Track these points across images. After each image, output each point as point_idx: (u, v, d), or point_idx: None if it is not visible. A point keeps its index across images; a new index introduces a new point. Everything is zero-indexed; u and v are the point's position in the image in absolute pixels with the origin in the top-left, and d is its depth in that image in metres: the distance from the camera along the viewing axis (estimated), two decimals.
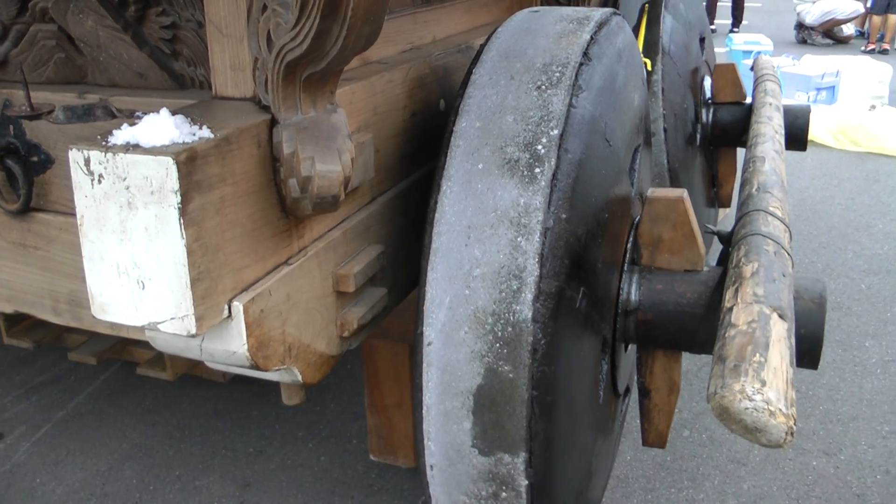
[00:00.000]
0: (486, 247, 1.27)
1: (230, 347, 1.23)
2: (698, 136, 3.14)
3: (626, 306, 1.65)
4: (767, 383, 1.07)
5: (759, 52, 6.98)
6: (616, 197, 1.48)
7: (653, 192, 1.67)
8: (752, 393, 1.05)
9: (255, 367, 1.25)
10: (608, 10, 1.62)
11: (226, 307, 1.19)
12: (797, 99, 6.17)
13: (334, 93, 1.23)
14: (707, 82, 3.28)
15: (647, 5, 2.81)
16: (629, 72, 1.60)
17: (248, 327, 1.20)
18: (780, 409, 1.05)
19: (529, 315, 1.24)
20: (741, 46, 7.34)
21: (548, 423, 1.30)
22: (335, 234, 1.40)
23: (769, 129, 2.46)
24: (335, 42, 1.05)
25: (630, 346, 1.79)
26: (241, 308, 1.19)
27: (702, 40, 3.29)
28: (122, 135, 1.12)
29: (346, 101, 1.40)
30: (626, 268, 1.62)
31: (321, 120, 1.20)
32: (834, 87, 6.26)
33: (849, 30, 9.91)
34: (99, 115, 1.33)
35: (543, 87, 1.35)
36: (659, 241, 1.68)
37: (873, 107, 5.83)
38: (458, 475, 1.36)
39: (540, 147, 1.29)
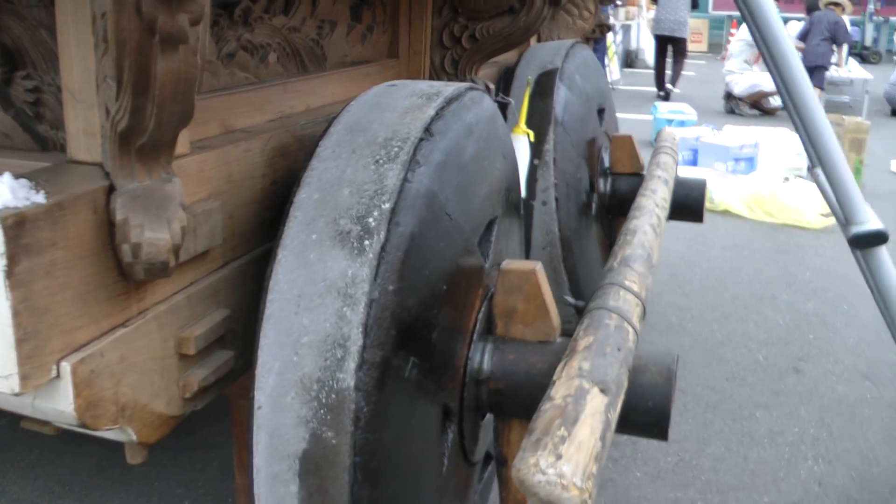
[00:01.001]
0: (314, 315, 1.32)
1: (58, 406, 1.25)
2: (594, 205, 3.24)
3: (477, 375, 1.70)
4: (564, 457, 1.12)
5: (681, 122, 7.21)
6: (458, 268, 1.54)
7: (507, 263, 1.74)
8: (545, 467, 1.10)
9: (84, 426, 1.28)
10: (464, 84, 1.70)
11: (54, 367, 1.22)
12: (716, 169, 6.36)
13: (170, 163, 1.28)
14: (606, 153, 3.39)
15: (532, 78, 2.91)
16: (483, 146, 1.67)
17: (75, 387, 1.23)
18: (574, 483, 1.09)
19: (352, 383, 1.29)
20: (665, 115, 7.56)
21: (373, 490, 1.34)
22: (179, 298, 1.44)
23: (650, 203, 2.55)
24: (150, 117, 1.10)
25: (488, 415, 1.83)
26: (69, 368, 1.22)
27: (601, 111, 3.40)
28: None
29: (195, 168, 1.45)
30: (475, 337, 1.67)
31: (155, 189, 1.25)
32: (752, 157, 6.47)
33: (776, 101, 10.24)
34: None
35: (381, 161, 1.41)
36: (513, 312, 1.73)
37: (787, 179, 6.03)
38: None
39: (371, 220, 1.35)
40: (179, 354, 1.45)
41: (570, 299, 1.86)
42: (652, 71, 12.55)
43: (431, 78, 2.54)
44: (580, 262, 3.02)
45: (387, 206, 1.36)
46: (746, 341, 3.68)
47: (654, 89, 11.90)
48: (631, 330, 1.61)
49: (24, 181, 1.21)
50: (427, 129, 1.48)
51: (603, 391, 1.32)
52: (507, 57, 3.24)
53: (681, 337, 3.62)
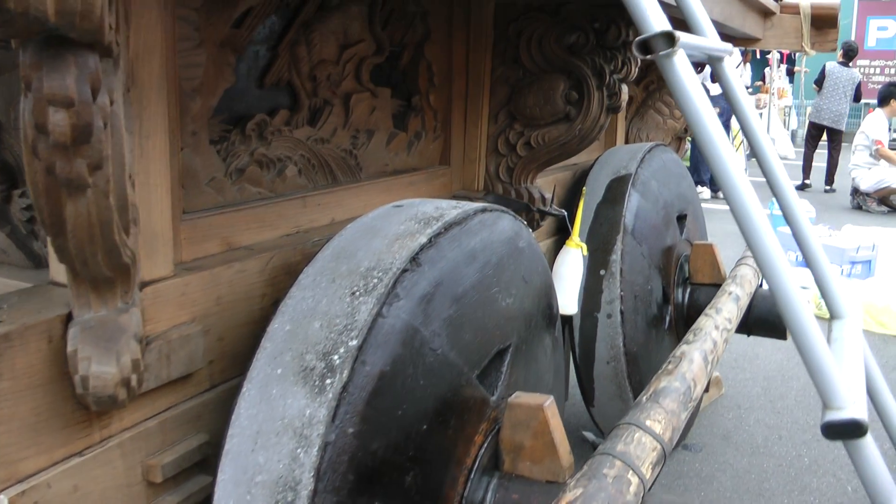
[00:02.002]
0: (269, 454, 1.26)
1: None
2: (668, 317, 3.09)
3: None
4: None
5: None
6: (447, 405, 1.45)
7: (515, 397, 1.64)
8: None
9: None
10: (474, 207, 1.62)
11: None
12: None
13: (128, 292, 1.25)
14: (686, 262, 3.25)
15: (588, 187, 2.82)
16: (491, 273, 1.59)
17: None
18: None
19: None
20: (779, 212, 7.21)
21: None
22: (150, 424, 1.40)
23: (709, 325, 2.40)
24: (74, 257, 1.08)
25: None
26: (6, 501, 1.19)
27: (681, 218, 3.26)
28: None
29: (176, 292, 1.43)
30: (476, 474, 1.57)
31: (109, 320, 1.22)
32: (870, 261, 6.09)
33: None
34: None
35: (357, 293, 1.35)
36: (520, 449, 1.63)
37: None
38: None
39: (336, 357, 1.28)
40: (148, 481, 1.41)
41: (590, 436, 1.74)
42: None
43: (486, 186, 2.48)
44: (647, 377, 2.86)
45: (354, 343, 1.29)
46: (836, 469, 3.36)
47: None
48: (636, 480, 1.47)
49: None
50: (414, 259, 1.41)
51: None
52: (588, 159, 3.17)
53: (764, 459, 3.36)
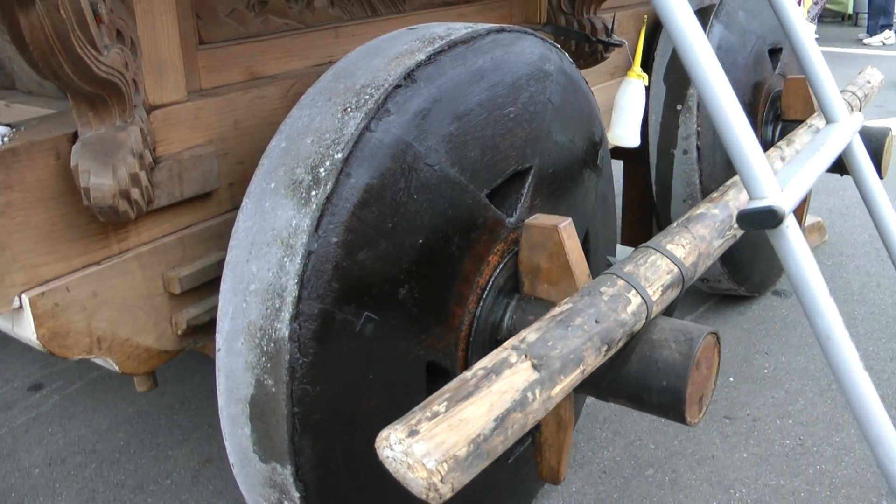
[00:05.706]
0: (260, 264, 1.32)
1: (26, 334, 1.36)
2: None
3: (496, 334, 1.65)
4: (422, 435, 1.05)
5: None
6: (448, 221, 1.47)
7: (532, 218, 1.65)
8: (394, 442, 1.04)
9: (53, 354, 1.38)
10: (486, 27, 1.60)
11: (16, 299, 1.32)
12: None
13: (126, 112, 1.32)
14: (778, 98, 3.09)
15: (645, 16, 2.69)
16: (502, 92, 1.58)
17: (36, 318, 1.33)
18: (422, 464, 1.03)
19: (286, 333, 1.28)
20: None
21: (316, 441, 1.34)
22: (169, 240, 1.50)
23: (775, 156, 2.31)
24: (44, 68, 1.14)
25: None
26: (27, 301, 1.31)
27: (775, 51, 3.09)
28: None
29: (189, 115, 1.49)
30: (491, 295, 1.61)
31: (107, 136, 1.30)
32: None
33: None
34: None
35: (349, 109, 1.38)
36: (538, 271, 1.65)
37: None
38: (249, 477, 1.42)
39: (322, 170, 1.32)
40: (170, 293, 1.51)
41: (613, 259, 1.73)
42: None
43: (549, 18, 2.42)
44: None
45: (339, 156, 1.32)
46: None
47: None
48: (637, 300, 1.47)
49: (2, 129, 1.31)
50: (409, 76, 1.42)
51: (536, 367, 1.23)
52: None
53: (857, 306, 3.22)
